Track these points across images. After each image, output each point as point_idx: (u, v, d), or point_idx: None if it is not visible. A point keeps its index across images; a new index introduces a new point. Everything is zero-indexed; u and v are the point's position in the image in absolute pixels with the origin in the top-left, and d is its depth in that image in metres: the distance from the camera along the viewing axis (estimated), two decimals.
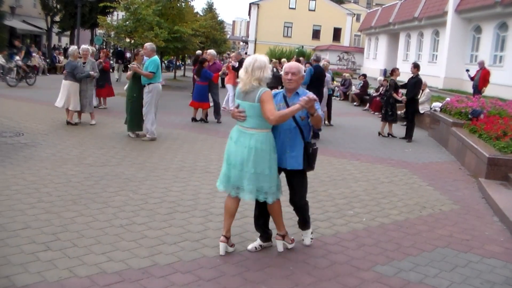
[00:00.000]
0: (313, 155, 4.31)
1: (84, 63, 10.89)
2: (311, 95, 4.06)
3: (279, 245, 4.48)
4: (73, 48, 11.02)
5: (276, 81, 12.86)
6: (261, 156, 4.14)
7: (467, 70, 17.74)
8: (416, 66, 11.73)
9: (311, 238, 4.70)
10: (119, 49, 28.74)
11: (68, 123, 10.53)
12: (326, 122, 13.02)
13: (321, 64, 11.49)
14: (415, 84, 11.66)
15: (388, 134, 12.13)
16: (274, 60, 18.42)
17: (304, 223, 4.67)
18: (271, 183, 4.19)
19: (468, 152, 8.71)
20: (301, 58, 22.04)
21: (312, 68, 10.92)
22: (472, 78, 16.03)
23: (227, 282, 3.81)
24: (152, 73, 9.14)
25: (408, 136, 11.67)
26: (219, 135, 10.46)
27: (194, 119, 12.39)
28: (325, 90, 12.23)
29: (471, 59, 24.52)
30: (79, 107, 10.55)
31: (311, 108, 4.03)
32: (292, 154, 4.25)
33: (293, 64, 4.32)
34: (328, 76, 12.62)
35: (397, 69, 12.73)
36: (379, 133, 12.12)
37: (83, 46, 11.25)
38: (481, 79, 15.33)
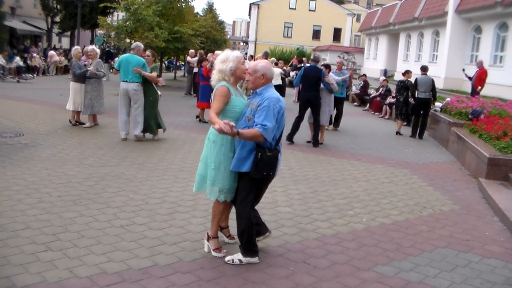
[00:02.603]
0: (262, 161, 3.89)
1: (90, 63, 10.55)
2: (226, 123, 3.67)
3: (205, 244, 4.39)
4: (74, 48, 10.91)
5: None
6: (211, 148, 4.15)
7: (464, 70, 17.92)
8: (420, 68, 12.56)
9: (237, 261, 4.13)
10: (107, 49, 28.80)
11: (78, 123, 10.54)
12: (327, 126, 12.73)
13: (319, 65, 10.81)
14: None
15: (397, 132, 12.67)
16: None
17: (241, 241, 4.17)
18: (214, 179, 4.13)
19: (469, 152, 8.71)
20: (304, 59, 21.97)
21: (304, 69, 10.56)
22: (470, 78, 16.13)
23: (228, 283, 3.81)
24: (116, 70, 9.53)
25: (421, 134, 12.26)
26: None
27: (197, 117, 12.48)
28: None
29: (471, 59, 24.50)
30: (79, 108, 10.44)
31: (229, 133, 3.74)
32: (239, 156, 4.03)
33: (251, 63, 4.19)
34: (333, 77, 11.55)
35: (410, 71, 13.10)
36: (397, 132, 12.62)
37: (89, 47, 11.01)
38: (477, 79, 15.49)
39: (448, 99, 13.71)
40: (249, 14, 58.51)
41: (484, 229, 5.55)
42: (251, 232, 4.14)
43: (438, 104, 12.93)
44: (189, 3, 24.47)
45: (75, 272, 3.78)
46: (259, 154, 3.91)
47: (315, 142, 10.15)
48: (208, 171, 4.19)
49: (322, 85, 10.23)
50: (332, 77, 11.53)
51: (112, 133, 9.96)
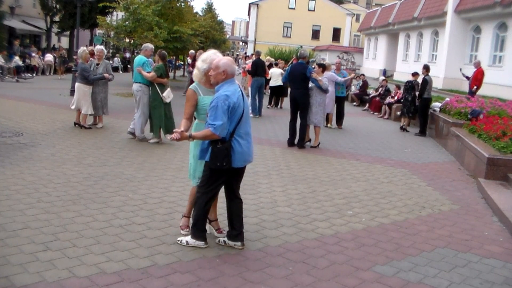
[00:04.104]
0: (213, 152, 4.18)
1: (97, 64, 10.39)
2: (176, 131, 4.21)
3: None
4: (82, 49, 10.66)
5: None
6: (193, 142, 4.56)
7: (461, 69, 18.07)
8: (424, 68, 12.88)
9: (185, 242, 4.43)
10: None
11: (78, 125, 10.20)
12: (329, 124, 12.94)
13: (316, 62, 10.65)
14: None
15: (404, 128, 13.31)
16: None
17: (192, 223, 4.49)
18: (195, 168, 4.64)
19: (468, 152, 8.71)
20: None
21: (290, 66, 10.32)
22: (468, 78, 16.29)
23: (227, 282, 3.81)
24: None
25: (425, 131, 12.73)
26: None
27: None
28: (331, 90, 12.25)
29: (471, 59, 24.54)
30: (91, 110, 10.19)
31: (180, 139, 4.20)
32: (201, 147, 4.34)
33: (215, 60, 4.36)
34: (329, 75, 11.56)
35: (419, 73, 13.56)
36: (404, 128, 13.29)
37: (98, 47, 10.84)
38: (473, 79, 15.73)
39: (447, 99, 13.75)
40: (249, 14, 58.52)
41: (483, 229, 5.56)
42: (201, 217, 4.38)
43: (437, 104, 12.97)
44: (188, 3, 24.44)
45: (74, 272, 3.77)
46: (211, 146, 4.21)
47: (300, 141, 9.81)
48: (191, 161, 4.68)
49: (312, 84, 9.80)
50: (329, 77, 11.36)
51: (111, 133, 9.96)
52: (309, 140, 10.15)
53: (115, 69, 32.25)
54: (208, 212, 4.47)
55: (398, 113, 14.79)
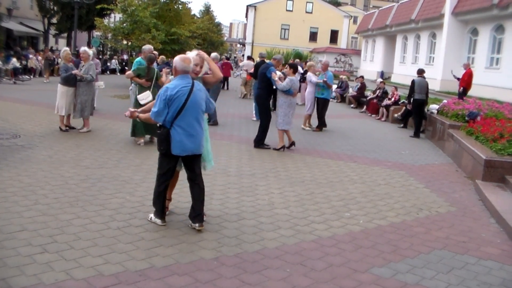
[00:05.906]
0: (157, 137, 4.87)
1: (83, 66, 10.02)
2: (131, 110, 5.14)
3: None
4: (63, 50, 10.47)
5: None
6: None
7: (452, 71, 18.29)
8: (417, 72, 13.08)
9: (149, 217, 5.06)
10: (77, 49, 28.76)
11: (70, 127, 10.06)
12: (305, 125, 12.61)
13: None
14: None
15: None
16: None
17: None
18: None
19: (465, 154, 8.73)
20: (297, 60, 22.35)
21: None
22: (458, 79, 16.47)
23: (224, 284, 3.80)
24: None
25: (418, 133, 12.73)
26: (216, 137, 10.42)
27: None
28: (308, 91, 12.51)
29: (468, 62, 24.65)
30: (64, 112, 9.86)
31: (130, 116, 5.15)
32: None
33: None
34: (307, 75, 11.86)
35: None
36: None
37: (81, 49, 10.64)
38: (461, 80, 15.95)
39: (445, 101, 13.80)
40: (246, 16, 58.64)
41: (480, 231, 5.57)
42: (157, 197, 4.93)
43: (434, 106, 13.00)
44: (186, 5, 24.48)
45: (71, 274, 3.77)
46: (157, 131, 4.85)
47: (256, 139, 9.68)
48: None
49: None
50: (307, 77, 11.83)
51: (109, 135, 9.94)
52: (293, 143, 9.75)
53: (113, 71, 32.26)
54: (163, 193, 4.95)
55: (396, 115, 14.86)
